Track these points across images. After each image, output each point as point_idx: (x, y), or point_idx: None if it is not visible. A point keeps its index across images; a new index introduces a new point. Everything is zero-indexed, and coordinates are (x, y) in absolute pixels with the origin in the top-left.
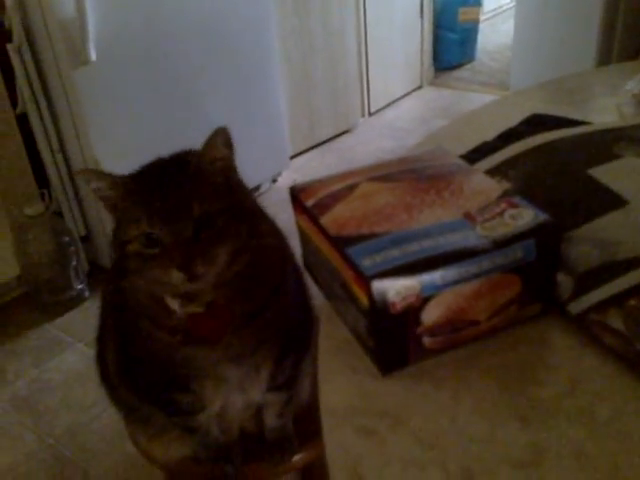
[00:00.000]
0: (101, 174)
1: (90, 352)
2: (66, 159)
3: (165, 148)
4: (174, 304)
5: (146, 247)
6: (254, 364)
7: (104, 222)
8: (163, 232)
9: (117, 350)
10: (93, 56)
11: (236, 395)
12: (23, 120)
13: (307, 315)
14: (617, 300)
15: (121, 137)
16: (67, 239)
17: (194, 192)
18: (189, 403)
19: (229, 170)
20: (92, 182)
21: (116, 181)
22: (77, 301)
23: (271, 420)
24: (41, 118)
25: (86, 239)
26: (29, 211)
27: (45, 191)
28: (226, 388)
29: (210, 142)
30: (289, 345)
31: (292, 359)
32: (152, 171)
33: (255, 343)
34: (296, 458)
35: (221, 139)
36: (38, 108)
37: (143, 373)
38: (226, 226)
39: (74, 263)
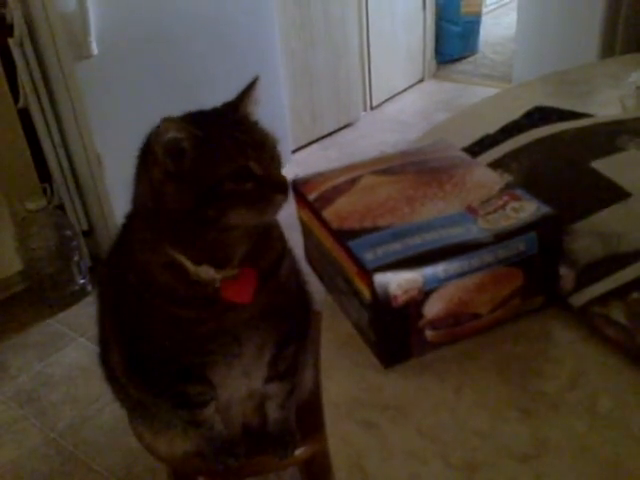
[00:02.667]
0: (180, 123)
1: (93, 346)
2: (68, 153)
3: None
4: (208, 272)
5: (241, 184)
6: (260, 342)
7: (106, 216)
8: (257, 163)
9: (123, 349)
10: (95, 50)
11: (241, 381)
12: (25, 114)
13: (304, 302)
14: (619, 293)
15: (123, 131)
16: (69, 233)
17: (264, 129)
18: (199, 394)
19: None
20: (170, 132)
21: (191, 128)
22: (80, 296)
23: (273, 412)
24: (43, 112)
25: (88, 234)
26: (31, 206)
27: (47, 185)
28: (233, 373)
29: (251, 89)
30: (289, 330)
31: (292, 347)
32: (210, 115)
33: (267, 309)
34: (299, 451)
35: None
36: (40, 102)
37: (154, 367)
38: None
39: (76, 258)
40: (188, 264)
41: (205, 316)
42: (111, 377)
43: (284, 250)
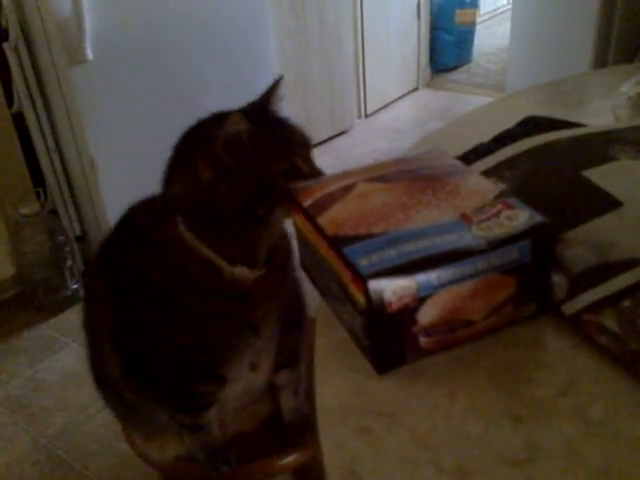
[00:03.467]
0: (240, 117)
1: (85, 352)
2: (62, 158)
3: (160, 147)
4: (243, 272)
5: (289, 180)
6: (270, 332)
7: (100, 222)
8: (303, 161)
9: (122, 353)
10: (90, 55)
11: (247, 375)
12: (19, 119)
13: (299, 296)
14: (611, 301)
15: (117, 136)
16: (62, 238)
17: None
18: (208, 394)
19: None
20: (239, 125)
21: (248, 123)
22: (72, 301)
23: (288, 401)
24: (37, 117)
25: (81, 239)
26: (24, 210)
27: (41, 190)
28: (243, 366)
29: (276, 87)
30: (290, 319)
31: (294, 333)
32: (251, 112)
33: (279, 301)
34: (292, 458)
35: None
36: (34, 107)
37: (163, 369)
38: None
39: (69, 263)
40: (223, 264)
41: (236, 311)
42: (102, 382)
43: (290, 245)
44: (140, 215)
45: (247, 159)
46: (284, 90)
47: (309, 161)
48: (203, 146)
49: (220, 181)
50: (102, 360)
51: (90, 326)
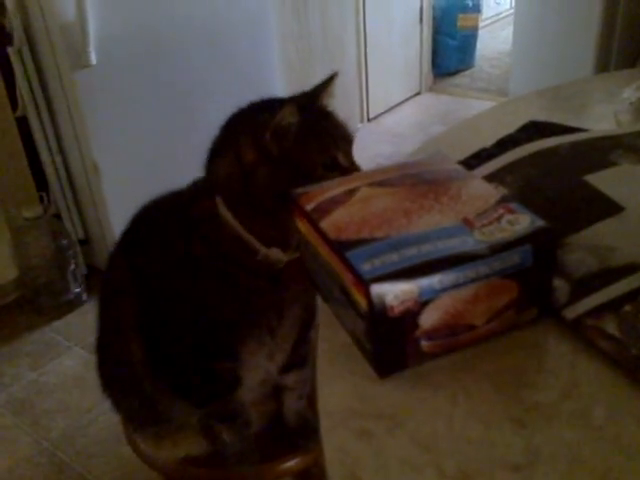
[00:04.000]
0: (294, 109)
1: (88, 355)
2: (65, 162)
3: (163, 151)
4: (278, 254)
5: (328, 172)
6: (292, 321)
7: (103, 225)
8: (343, 155)
9: (147, 338)
10: (93, 59)
11: (264, 364)
12: (23, 122)
13: (314, 299)
14: (612, 306)
15: (120, 140)
16: (65, 242)
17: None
18: (227, 371)
19: None
20: (291, 117)
21: (298, 115)
22: (75, 304)
23: (293, 403)
24: (41, 121)
25: (84, 242)
26: (27, 214)
27: (44, 194)
28: (261, 352)
29: (330, 82)
30: (311, 313)
31: (312, 331)
32: (300, 104)
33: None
34: (293, 462)
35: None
36: (38, 111)
37: (185, 348)
38: None
39: (72, 266)
40: (258, 245)
41: (267, 288)
42: (111, 383)
43: None
44: (167, 203)
45: (291, 149)
46: (285, 93)
47: (349, 155)
48: (251, 131)
49: (262, 166)
50: (117, 356)
51: (108, 317)
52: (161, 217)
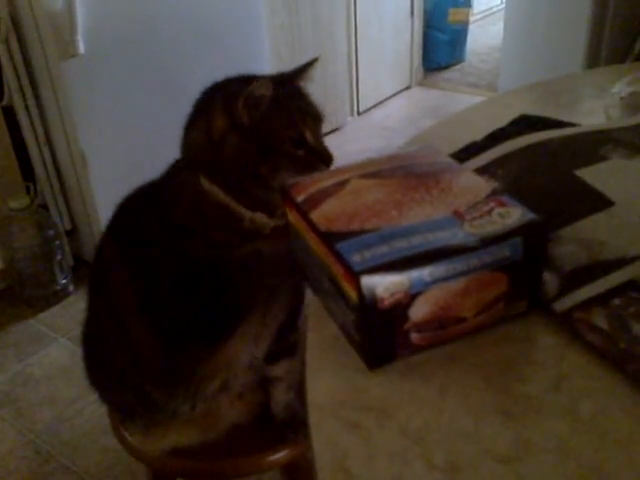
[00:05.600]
0: (269, 82)
1: (74, 347)
2: (52, 152)
3: (151, 142)
4: (263, 219)
5: (295, 148)
6: (274, 300)
7: (90, 216)
8: (311, 133)
9: (155, 313)
10: (81, 49)
11: (248, 348)
12: (9, 112)
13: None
14: (602, 299)
15: (108, 130)
16: (52, 233)
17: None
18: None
19: None
20: (264, 89)
21: (271, 89)
22: (61, 296)
23: (282, 394)
24: (28, 110)
25: (71, 233)
26: (14, 204)
27: (31, 184)
28: (247, 330)
29: (309, 67)
30: (296, 302)
31: (301, 318)
32: (277, 81)
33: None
34: (282, 453)
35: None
36: (25, 100)
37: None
38: None
39: (59, 257)
40: (242, 210)
41: (255, 254)
42: (98, 376)
43: None
44: (149, 186)
45: (261, 121)
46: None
47: (317, 135)
48: (225, 99)
49: (231, 134)
50: (109, 344)
51: (100, 305)
52: (144, 198)
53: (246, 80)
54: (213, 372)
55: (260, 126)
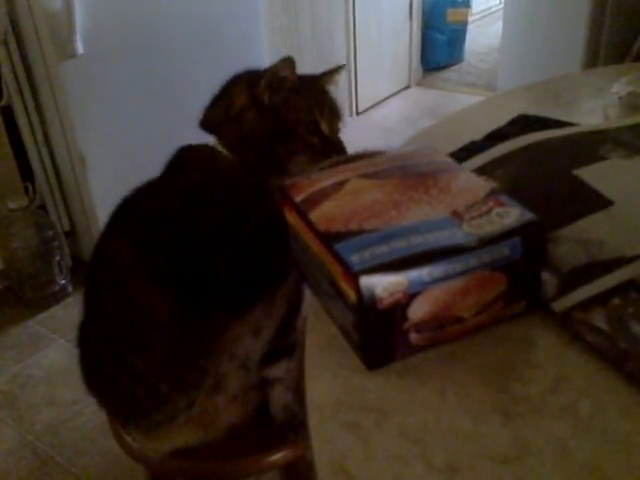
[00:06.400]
0: (294, 66)
1: (73, 348)
2: (51, 152)
3: (150, 142)
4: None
5: (309, 134)
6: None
7: (88, 217)
8: (327, 124)
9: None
10: (80, 49)
11: (248, 341)
12: (8, 112)
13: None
14: (601, 299)
15: (107, 131)
16: (51, 233)
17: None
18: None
19: None
20: (287, 70)
21: (296, 74)
22: (60, 296)
23: (281, 395)
24: (26, 111)
25: (70, 234)
26: (13, 205)
27: (29, 185)
28: (248, 321)
29: (335, 72)
30: (296, 300)
31: (300, 317)
32: (306, 77)
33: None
34: (281, 454)
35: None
36: (23, 101)
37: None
38: None
39: (57, 258)
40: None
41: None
42: (96, 380)
43: None
44: (151, 181)
45: (280, 102)
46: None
47: (332, 127)
48: (248, 79)
49: (250, 110)
50: (113, 343)
51: (107, 302)
52: (147, 191)
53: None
54: (209, 355)
55: (279, 107)
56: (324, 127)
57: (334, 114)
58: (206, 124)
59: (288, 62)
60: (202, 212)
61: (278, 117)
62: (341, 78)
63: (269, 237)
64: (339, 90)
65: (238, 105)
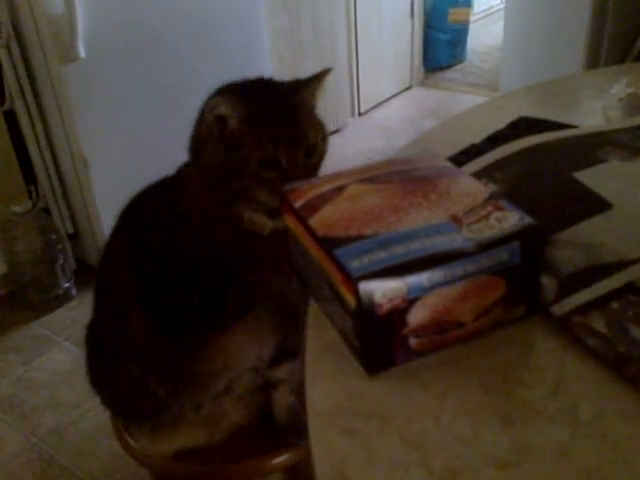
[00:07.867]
0: (231, 102)
1: (77, 351)
2: (54, 156)
3: (153, 145)
4: (261, 219)
5: (265, 170)
6: (278, 302)
7: (92, 220)
8: (284, 157)
9: (153, 309)
10: (82, 52)
11: (252, 349)
12: (11, 116)
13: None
14: (600, 303)
15: (110, 134)
16: (54, 237)
17: (308, 122)
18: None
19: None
20: (220, 108)
21: (238, 108)
22: (64, 299)
23: (285, 398)
24: (29, 114)
25: (73, 237)
26: (16, 208)
27: (32, 188)
28: (249, 329)
29: (319, 78)
30: (294, 309)
31: (298, 325)
32: (265, 97)
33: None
34: (282, 458)
35: (325, 79)
36: (26, 104)
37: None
38: (319, 156)
39: (61, 261)
40: (242, 208)
41: (255, 253)
42: (102, 379)
43: None
44: (161, 181)
45: (231, 137)
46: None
47: (294, 157)
48: (206, 107)
49: (208, 141)
50: (115, 343)
51: (106, 300)
52: (154, 190)
53: (248, 85)
54: (217, 372)
55: (229, 142)
56: (283, 161)
57: (296, 142)
58: (188, 149)
59: (220, 99)
60: (153, 253)
61: (230, 153)
62: (328, 82)
63: (213, 271)
64: (341, 91)
65: (203, 134)
